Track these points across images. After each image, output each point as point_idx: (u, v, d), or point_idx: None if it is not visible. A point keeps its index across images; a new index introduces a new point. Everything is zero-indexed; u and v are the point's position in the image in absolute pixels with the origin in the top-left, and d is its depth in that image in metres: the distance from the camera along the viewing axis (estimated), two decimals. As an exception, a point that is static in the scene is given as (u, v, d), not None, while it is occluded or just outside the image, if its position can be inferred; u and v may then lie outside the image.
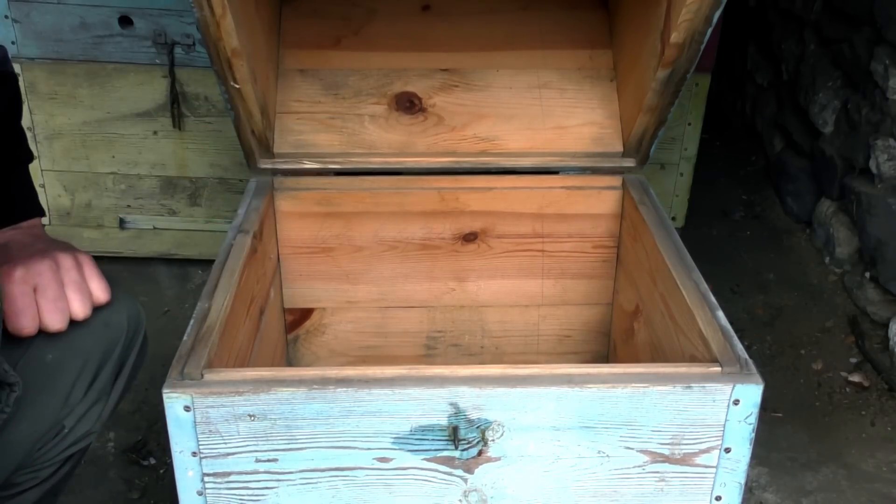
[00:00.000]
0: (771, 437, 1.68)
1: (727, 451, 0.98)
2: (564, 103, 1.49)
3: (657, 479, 1.00)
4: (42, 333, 0.95)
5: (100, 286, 0.98)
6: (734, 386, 0.95)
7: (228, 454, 0.95)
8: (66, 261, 0.95)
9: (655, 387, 0.95)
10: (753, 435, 0.98)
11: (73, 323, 0.96)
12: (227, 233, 1.25)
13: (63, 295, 0.94)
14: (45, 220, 2.09)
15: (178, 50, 1.88)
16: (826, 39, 2.35)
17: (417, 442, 0.96)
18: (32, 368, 0.95)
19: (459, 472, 0.99)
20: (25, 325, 0.91)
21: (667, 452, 0.99)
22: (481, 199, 1.47)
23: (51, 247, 0.98)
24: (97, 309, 0.98)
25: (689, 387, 0.95)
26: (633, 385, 0.95)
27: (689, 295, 1.11)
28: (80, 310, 0.95)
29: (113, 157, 2.00)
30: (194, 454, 0.95)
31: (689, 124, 2.03)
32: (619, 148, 1.47)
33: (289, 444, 0.95)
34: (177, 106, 1.93)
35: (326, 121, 1.46)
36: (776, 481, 1.59)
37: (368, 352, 1.57)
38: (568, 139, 1.47)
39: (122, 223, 2.09)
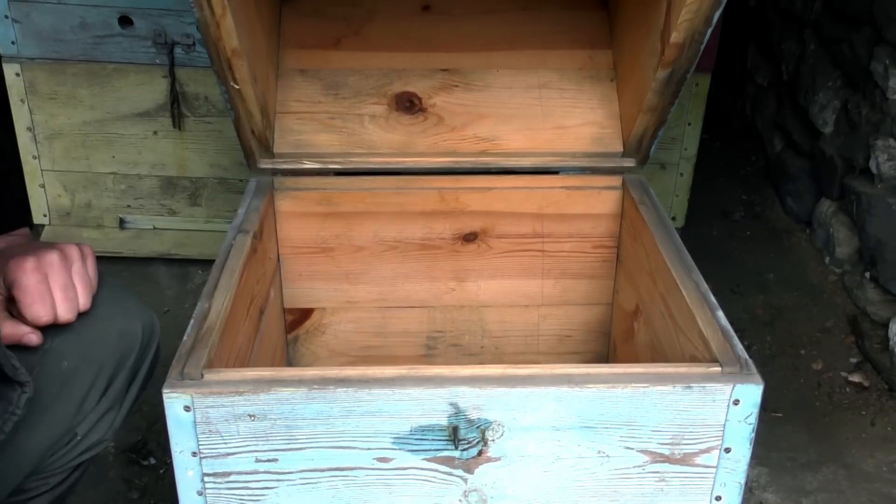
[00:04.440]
0: (771, 437, 1.68)
1: (727, 451, 0.98)
2: (564, 103, 1.49)
3: (657, 479, 1.00)
4: (59, 339, 0.95)
5: (87, 288, 0.96)
6: (734, 386, 0.95)
7: (228, 454, 0.95)
8: (72, 251, 0.95)
9: (655, 387, 0.95)
10: (753, 435, 0.98)
11: (88, 330, 0.95)
12: (227, 233, 1.25)
13: (72, 284, 0.94)
14: (45, 220, 2.09)
15: (178, 50, 1.88)
16: (826, 39, 2.35)
17: (417, 442, 0.96)
18: (48, 375, 0.95)
19: (459, 472, 0.99)
20: (42, 313, 0.91)
21: (667, 452, 0.99)
22: (481, 199, 1.47)
23: (52, 243, 0.98)
24: (112, 317, 0.98)
25: (689, 387, 0.95)
26: (633, 385, 0.95)
27: (689, 295, 1.11)
28: (84, 302, 0.95)
29: (113, 157, 2.00)
30: (194, 454, 0.95)
31: (689, 124, 2.03)
32: (619, 148, 1.47)
33: (289, 444, 0.95)
34: (177, 106, 1.93)
35: (326, 121, 1.46)
36: (776, 481, 1.59)
37: (368, 352, 1.57)
38: (568, 139, 1.47)
39: (122, 223, 2.09)
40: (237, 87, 1.24)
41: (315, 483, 0.98)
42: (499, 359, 1.58)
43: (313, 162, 1.43)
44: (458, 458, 0.98)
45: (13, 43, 1.88)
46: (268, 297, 1.37)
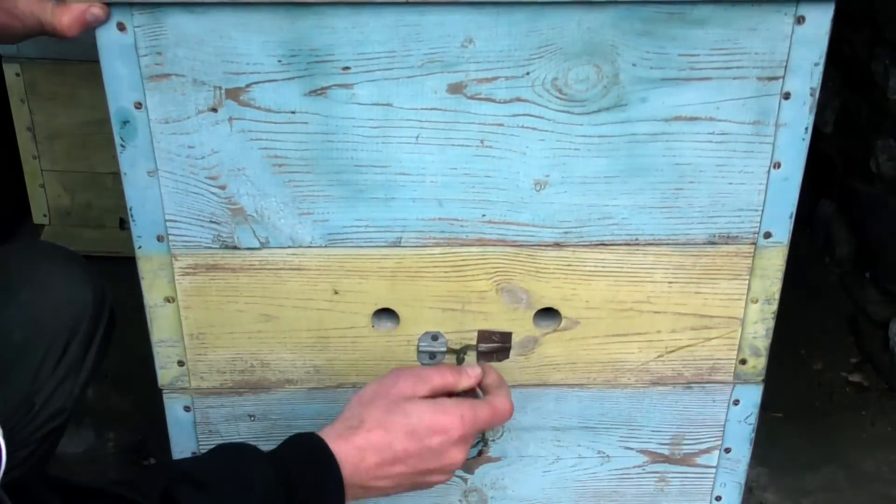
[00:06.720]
0: (771, 438, 1.68)
1: (727, 451, 0.98)
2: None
3: (657, 479, 1.00)
4: (7, 311, 0.94)
5: None
6: (734, 386, 0.95)
7: (228, 454, 0.95)
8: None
9: (655, 387, 0.95)
10: (753, 435, 0.98)
11: (37, 300, 0.95)
12: (227, 233, 1.25)
13: None
14: (45, 221, 2.09)
15: (178, 50, 1.88)
16: (826, 39, 2.35)
17: (417, 442, 0.96)
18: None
19: (459, 471, 0.99)
20: None
21: (667, 452, 0.99)
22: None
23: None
24: (60, 285, 0.98)
25: (689, 387, 0.95)
26: (633, 385, 0.95)
27: (689, 295, 1.11)
28: None
29: (113, 157, 1.99)
30: (194, 454, 0.95)
31: (690, 124, 2.02)
32: (619, 148, 1.46)
33: (289, 444, 0.95)
34: (177, 106, 1.93)
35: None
36: (776, 481, 1.59)
37: (368, 352, 1.57)
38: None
39: (122, 223, 2.09)
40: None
41: (315, 483, 0.98)
42: (499, 359, 1.58)
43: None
44: (458, 459, 0.98)
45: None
46: (268, 297, 1.37)
